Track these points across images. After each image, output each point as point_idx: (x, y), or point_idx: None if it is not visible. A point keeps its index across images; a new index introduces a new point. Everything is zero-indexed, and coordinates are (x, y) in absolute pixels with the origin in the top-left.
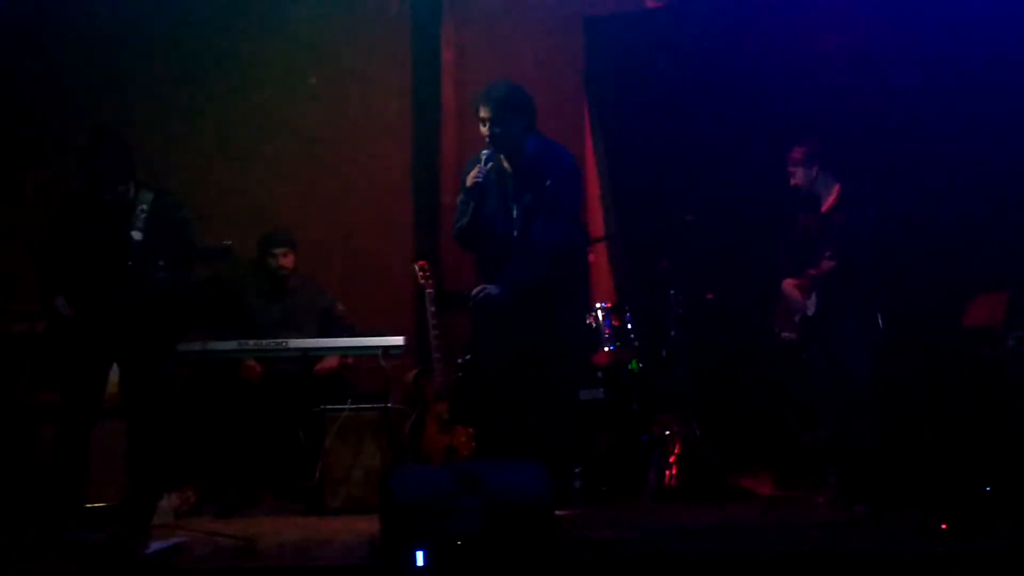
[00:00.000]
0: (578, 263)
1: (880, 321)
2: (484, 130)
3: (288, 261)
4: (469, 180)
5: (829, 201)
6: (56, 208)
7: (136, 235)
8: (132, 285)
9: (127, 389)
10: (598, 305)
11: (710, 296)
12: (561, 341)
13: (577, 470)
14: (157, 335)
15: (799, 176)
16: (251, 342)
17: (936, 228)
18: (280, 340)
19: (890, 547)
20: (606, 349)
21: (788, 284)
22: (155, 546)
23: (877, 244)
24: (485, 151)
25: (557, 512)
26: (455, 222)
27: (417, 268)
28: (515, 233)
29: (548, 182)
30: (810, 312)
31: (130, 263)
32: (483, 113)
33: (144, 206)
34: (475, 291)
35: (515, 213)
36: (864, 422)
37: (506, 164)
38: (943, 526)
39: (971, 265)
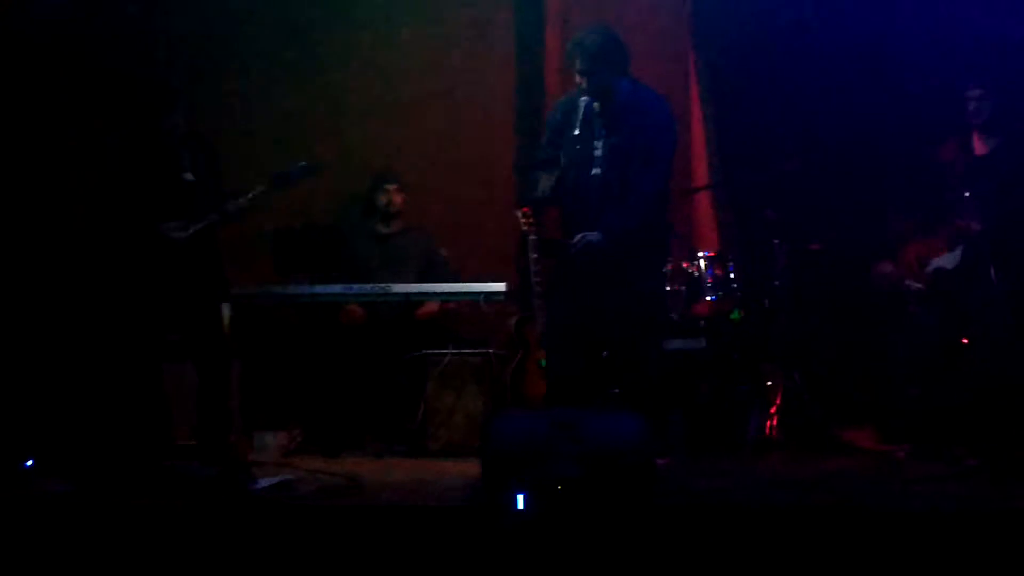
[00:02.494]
0: (662, 214)
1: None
2: (581, 80)
3: (399, 198)
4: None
5: (989, 143)
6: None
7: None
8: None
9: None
10: (700, 254)
11: (815, 247)
12: (641, 290)
13: (676, 418)
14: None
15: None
16: (355, 286)
17: None
18: (383, 284)
19: (995, 503)
20: (708, 299)
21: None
22: (263, 482)
23: None
24: (583, 98)
25: (657, 460)
26: (533, 188)
27: (520, 214)
28: (599, 173)
29: (643, 128)
30: (950, 266)
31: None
32: (577, 64)
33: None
34: (576, 238)
35: (600, 153)
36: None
37: (596, 106)
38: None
39: None
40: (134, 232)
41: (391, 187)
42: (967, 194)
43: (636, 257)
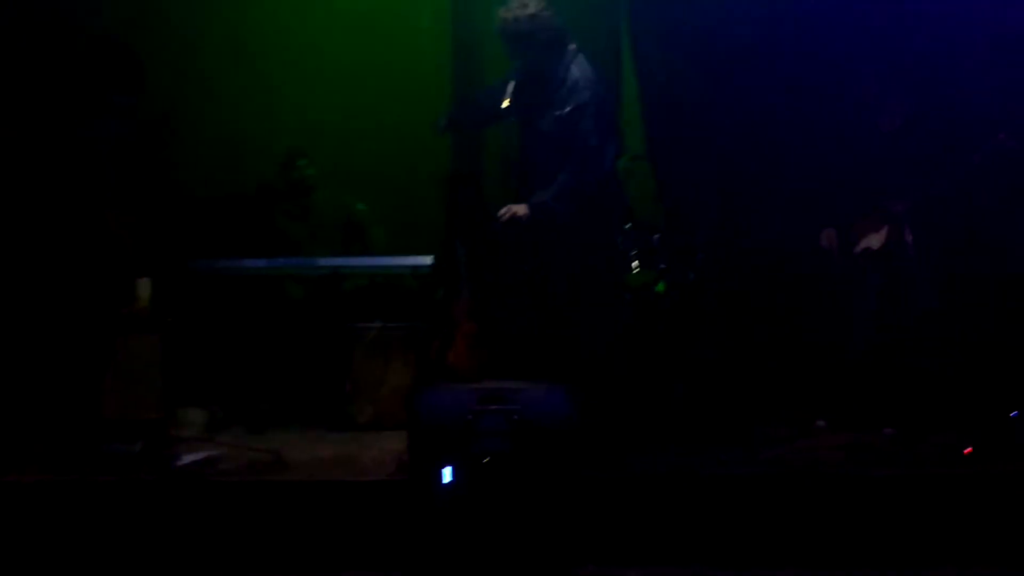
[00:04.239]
0: (609, 185)
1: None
2: (511, 54)
3: (311, 172)
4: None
5: (897, 120)
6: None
7: None
8: None
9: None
10: (626, 226)
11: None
12: (586, 262)
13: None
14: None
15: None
16: (281, 260)
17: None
18: (309, 258)
19: (914, 469)
20: (633, 270)
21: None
22: (187, 458)
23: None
24: (512, 80)
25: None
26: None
27: (448, 187)
28: (532, 155)
29: (574, 105)
30: (876, 246)
31: None
32: (505, 48)
33: None
34: (501, 211)
35: (535, 134)
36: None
37: (523, 82)
38: (966, 451)
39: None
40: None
41: (303, 163)
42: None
43: (581, 229)
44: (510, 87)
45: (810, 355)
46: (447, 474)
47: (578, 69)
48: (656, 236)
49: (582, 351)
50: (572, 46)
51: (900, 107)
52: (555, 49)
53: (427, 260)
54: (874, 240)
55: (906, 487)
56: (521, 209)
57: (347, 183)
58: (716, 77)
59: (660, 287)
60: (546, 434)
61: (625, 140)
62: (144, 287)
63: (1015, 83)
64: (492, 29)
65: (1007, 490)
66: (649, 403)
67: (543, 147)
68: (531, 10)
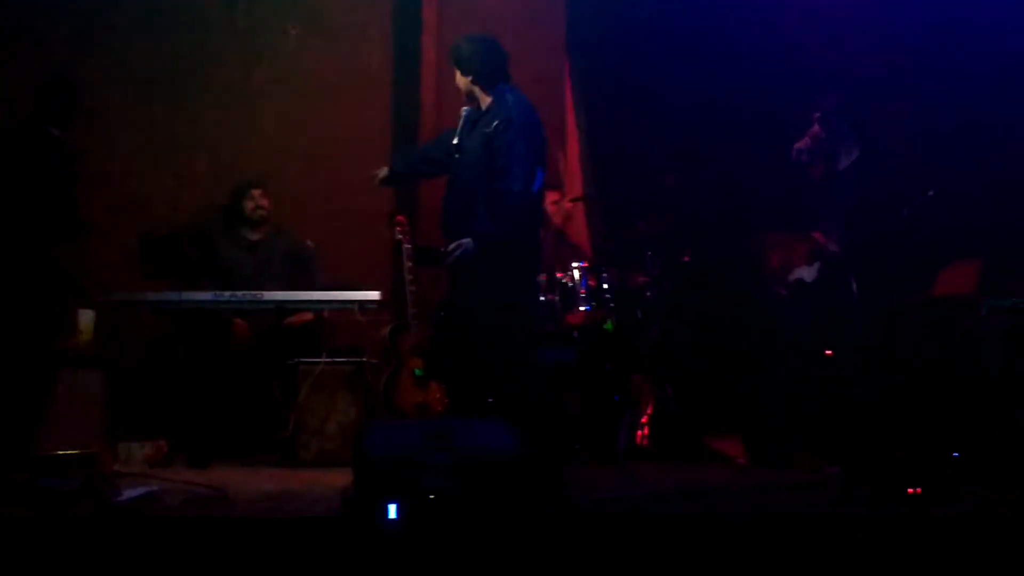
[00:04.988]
0: (533, 218)
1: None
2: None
3: (265, 202)
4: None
5: (847, 162)
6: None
7: None
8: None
9: None
10: (574, 265)
11: (687, 258)
12: (513, 298)
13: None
14: None
15: (816, 133)
16: (226, 294)
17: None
18: (255, 292)
19: (859, 510)
20: (581, 309)
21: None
22: (127, 493)
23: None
24: (465, 109)
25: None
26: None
27: (394, 222)
28: (468, 184)
29: (496, 132)
30: (809, 279)
31: None
32: (452, 68)
33: None
34: (451, 246)
35: (468, 162)
36: (847, 390)
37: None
38: (910, 491)
39: (943, 234)
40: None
41: (257, 192)
42: (826, 208)
43: (504, 265)
44: (461, 118)
45: (753, 389)
46: (392, 510)
47: (512, 95)
48: (604, 275)
49: (525, 386)
50: (512, 83)
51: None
52: (496, 77)
53: (375, 295)
54: (806, 273)
55: (851, 528)
56: (467, 242)
57: (294, 218)
58: (660, 113)
59: (608, 326)
60: (492, 470)
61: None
62: (86, 319)
63: (946, 136)
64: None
65: (952, 532)
66: (596, 438)
67: (468, 169)
68: (464, 41)
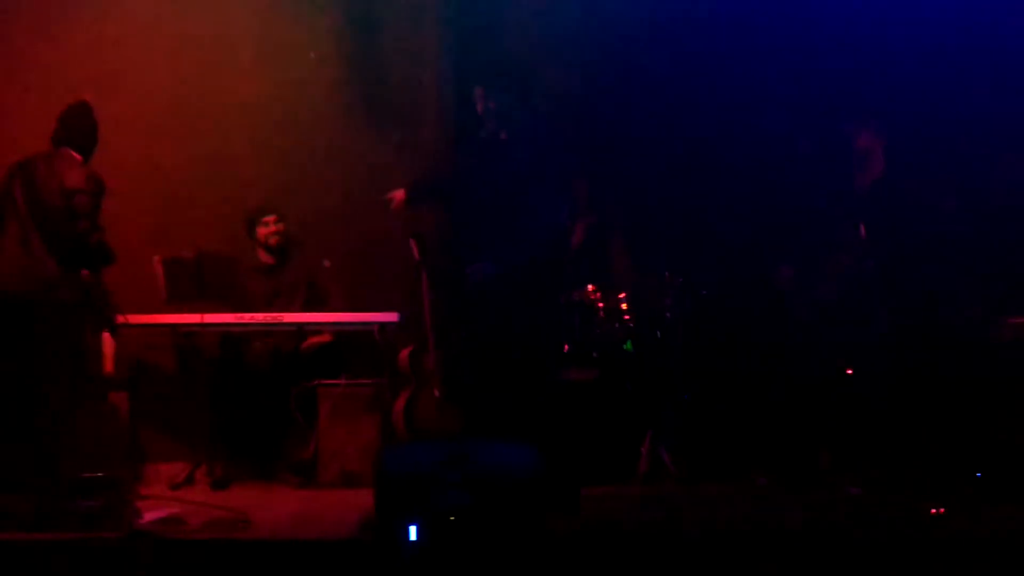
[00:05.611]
0: (561, 242)
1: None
2: (479, 106)
3: (279, 227)
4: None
5: (871, 174)
6: None
7: None
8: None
9: None
10: (592, 285)
11: (704, 292)
12: (538, 321)
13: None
14: None
15: (873, 167)
16: (246, 317)
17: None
18: (274, 315)
19: (881, 531)
20: (600, 329)
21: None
22: (150, 516)
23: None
24: (483, 129)
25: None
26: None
27: (413, 243)
28: (495, 207)
29: (532, 160)
30: (834, 297)
31: None
32: (478, 90)
33: None
34: (472, 268)
35: (498, 186)
36: (872, 410)
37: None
38: (933, 511)
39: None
40: None
41: (269, 219)
42: (858, 227)
43: (526, 288)
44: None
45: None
46: (413, 532)
47: (541, 125)
48: (623, 296)
49: (545, 408)
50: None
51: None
52: (522, 97)
53: (394, 317)
54: (830, 291)
55: (872, 550)
56: (488, 266)
57: (313, 239)
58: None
59: (628, 345)
60: (512, 490)
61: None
62: (110, 343)
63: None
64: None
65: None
66: (616, 459)
67: (494, 193)
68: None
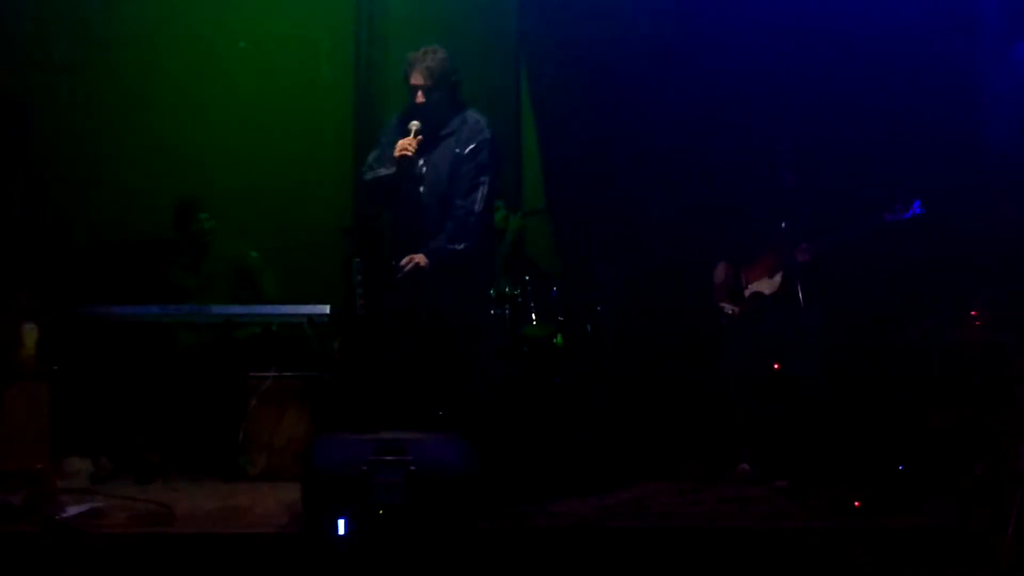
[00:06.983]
0: (487, 235)
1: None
2: (417, 97)
3: (210, 227)
4: (398, 151)
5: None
6: None
7: None
8: None
9: None
10: (526, 278)
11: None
12: (471, 312)
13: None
14: None
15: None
16: (172, 307)
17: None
18: (202, 306)
19: (806, 522)
20: (532, 323)
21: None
22: (71, 510)
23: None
24: (414, 122)
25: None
26: (369, 169)
27: (345, 236)
28: (424, 192)
29: (469, 152)
30: (768, 292)
31: None
32: (416, 80)
33: None
34: (404, 261)
35: (430, 178)
36: (805, 403)
37: (418, 125)
38: (856, 503)
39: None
40: None
41: (204, 216)
42: (783, 224)
43: (459, 281)
44: (412, 135)
45: (702, 404)
46: (341, 526)
47: (475, 114)
48: (555, 289)
49: (476, 400)
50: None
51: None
52: (454, 94)
53: (324, 309)
54: (767, 286)
55: (798, 541)
56: (421, 258)
57: (242, 231)
58: (614, 123)
59: (559, 340)
60: (442, 485)
61: (525, 197)
62: (30, 333)
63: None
64: (395, 80)
65: (896, 545)
66: (546, 453)
67: (430, 186)
68: (440, 54)
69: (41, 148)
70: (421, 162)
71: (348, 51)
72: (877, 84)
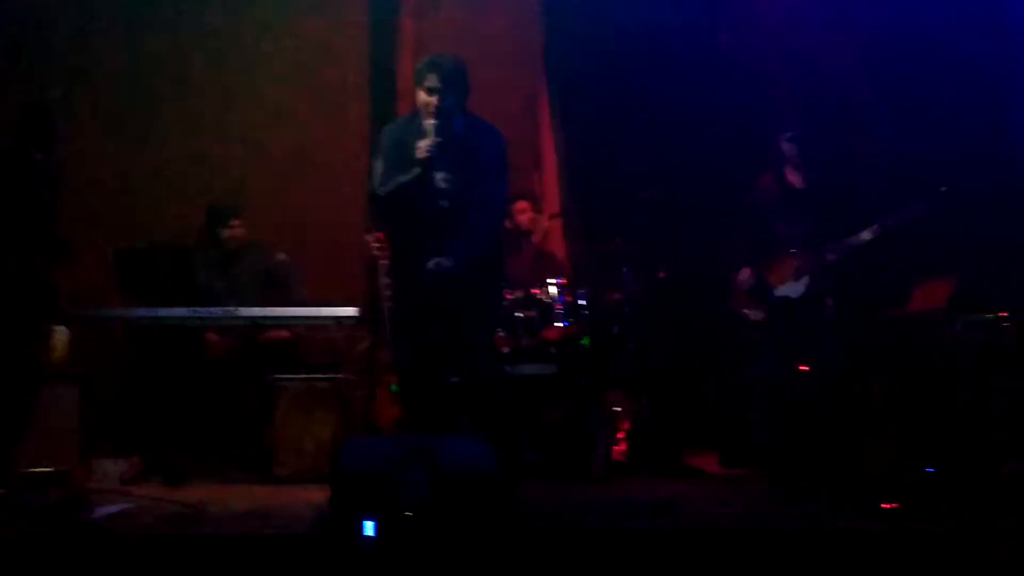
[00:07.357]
0: (498, 243)
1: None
2: (431, 99)
3: (240, 232)
4: (421, 152)
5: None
6: None
7: None
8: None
9: None
10: (551, 281)
11: (662, 275)
12: (483, 317)
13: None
14: None
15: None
16: (201, 310)
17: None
18: (230, 308)
19: (827, 524)
20: (558, 325)
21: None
22: (101, 511)
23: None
24: (431, 121)
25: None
26: (380, 184)
27: (371, 239)
28: (445, 204)
29: (484, 160)
30: (795, 295)
31: None
32: (430, 82)
33: None
34: (430, 263)
35: (445, 185)
36: (821, 404)
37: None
38: (883, 505)
39: (917, 251)
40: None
41: (233, 223)
42: (792, 226)
43: (479, 285)
44: (432, 136)
45: (727, 406)
46: (369, 527)
47: (485, 124)
48: (581, 292)
49: (502, 399)
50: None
51: (816, 166)
52: (466, 100)
53: (352, 311)
54: (792, 289)
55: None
56: (447, 261)
57: (270, 232)
58: (636, 132)
59: (585, 341)
60: (469, 486)
61: (545, 202)
62: (61, 336)
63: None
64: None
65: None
66: (574, 454)
67: (449, 190)
68: (454, 59)
69: (71, 153)
70: (437, 165)
71: (366, 55)
72: (903, 88)
